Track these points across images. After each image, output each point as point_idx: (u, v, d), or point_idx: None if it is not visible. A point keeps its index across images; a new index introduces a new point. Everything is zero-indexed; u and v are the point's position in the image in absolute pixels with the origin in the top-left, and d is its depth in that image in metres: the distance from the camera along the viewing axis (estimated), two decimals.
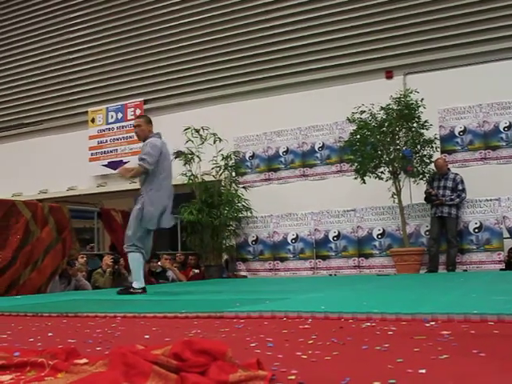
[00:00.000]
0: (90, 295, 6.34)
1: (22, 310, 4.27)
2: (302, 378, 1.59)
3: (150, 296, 5.84)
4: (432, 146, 9.35)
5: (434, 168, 9.39)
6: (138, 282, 5.93)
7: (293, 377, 1.62)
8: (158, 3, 13.20)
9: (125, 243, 6.02)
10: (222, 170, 10.86)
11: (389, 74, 10.77)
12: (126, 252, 6.06)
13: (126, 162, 12.65)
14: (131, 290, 5.86)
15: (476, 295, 4.28)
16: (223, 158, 10.78)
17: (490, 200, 9.17)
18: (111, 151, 13.33)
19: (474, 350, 1.97)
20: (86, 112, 13.86)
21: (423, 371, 1.64)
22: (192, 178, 10.58)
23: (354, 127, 9.51)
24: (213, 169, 10.82)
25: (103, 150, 13.47)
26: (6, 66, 15.33)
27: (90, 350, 2.23)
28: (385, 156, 9.36)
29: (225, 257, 11.12)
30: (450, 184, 9.18)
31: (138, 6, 13.46)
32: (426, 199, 9.34)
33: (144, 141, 6.11)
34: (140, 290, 5.87)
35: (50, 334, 2.91)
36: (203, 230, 10.39)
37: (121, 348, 1.66)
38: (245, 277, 10.65)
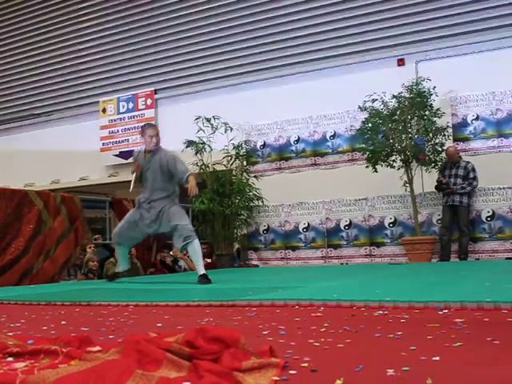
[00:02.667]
0: (103, 284, 6.38)
1: (35, 299, 4.30)
2: (315, 366, 1.59)
3: (162, 285, 5.87)
4: (444, 135, 9.29)
5: (446, 156, 9.35)
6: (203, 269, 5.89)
7: (306, 364, 1.62)
8: None
9: (186, 234, 5.93)
10: (233, 160, 10.85)
11: (400, 61, 10.70)
12: (188, 242, 5.92)
13: None
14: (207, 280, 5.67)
15: (489, 283, 4.26)
16: (234, 147, 10.78)
17: (503, 188, 9.11)
18: (122, 141, 13.35)
19: (488, 337, 1.96)
20: (97, 102, 13.88)
21: (437, 358, 1.63)
22: (203, 167, 10.58)
23: (366, 115, 9.47)
24: (224, 158, 10.82)
25: (114, 140, 13.49)
26: (17, 57, 15.36)
27: (102, 338, 2.23)
28: (396, 144, 9.31)
29: (236, 246, 11.14)
30: (461, 172, 9.13)
31: None
32: (436, 188, 9.30)
33: (156, 149, 6.21)
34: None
35: (63, 323, 2.93)
36: (214, 219, 10.40)
37: (134, 336, 1.67)
38: (256, 266, 10.67)
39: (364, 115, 9.58)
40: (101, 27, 14.10)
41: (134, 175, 6.24)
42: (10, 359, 1.64)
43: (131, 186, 6.31)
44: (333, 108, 10.90)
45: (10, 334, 2.25)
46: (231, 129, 10.58)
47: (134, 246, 8.70)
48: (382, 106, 9.34)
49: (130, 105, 13.36)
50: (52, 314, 3.44)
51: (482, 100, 9.88)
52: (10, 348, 1.70)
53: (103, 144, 13.62)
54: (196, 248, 5.99)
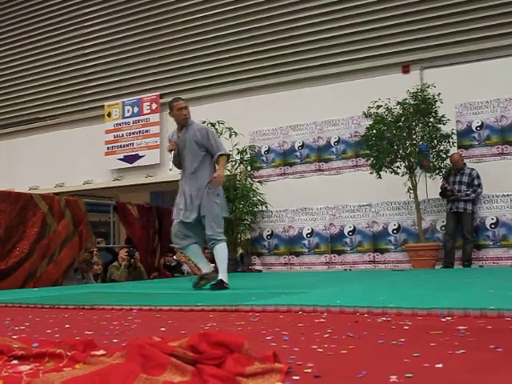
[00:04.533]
0: (106, 288, 6.38)
1: (39, 302, 4.31)
2: (319, 371, 1.59)
3: (165, 289, 5.86)
4: (449, 141, 9.29)
5: (450, 163, 9.34)
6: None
7: (309, 370, 1.62)
8: None
9: (210, 237, 5.59)
10: (237, 165, 10.86)
11: (406, 68, 10.71)
12: (215, 244, 5.58)
13: (141, 156, 12.70)
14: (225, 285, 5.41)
15: (493, 291, 4.25)
16: (239, 152, 10.79)
17: (507, 195, 9.10)
18: (127, 145, 13.38)
19: (491, 345, 1.96)
20: (103, 106, 13.92)
21: (440, 365, 1.63)
22: None
23: (370, 122, 9.47)
24: (228, 163, 10.82)
25: (119, 144, 13.52)
26: (23, 61, 15.41)
27: (106, 342, 2.24)
28: (401, 151, 9.31)
29: (240, 251, 11.13)
30: (465, 179, 9.12)
31: (154, 0, 13.47)
32: (441, 194, 9.29)
33: (187, 124, 5.78)
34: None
35: (67, 326, 2.94)
36: None
37: (138, 340, 1.67)
38: (260, 271, 10.66)
39: (368, 121, 9.59)
40: (106, 31, 14.15)
41: (172, 153, 5.73)
42: (15, 362, 1.65)
43: (171, 165, 5.77)
44: (337, 114, 10.92)
45: (15, 337, 2.26)
46: (236, 134, 10.59)
47: (138, 250, 8.74)
48: (386, 113, 9.35)
49: (135, 109, 13.39)
50: (56, 317, 3.45)
51: (486, 107, 9.88)
52: (15, 351, 1.71)
53: (108, 148, 13.64)
54: (218, 251, 5.64)
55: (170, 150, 5.75)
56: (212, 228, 5.59)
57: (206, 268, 5.89)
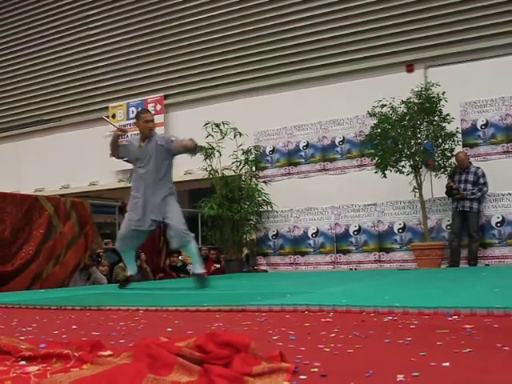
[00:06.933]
0: (112, 289, 6.39)
1: (45, 304, 4.32)
2: (325, 371, 1.59)
3: (172, 290, 5.87)
4: (453, 140, 9.28)
5: (455, 162, 9.32)
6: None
7: (316, 369, 1.62)
8: None
9: (183, 236, 5.78)
10: (242, 165, 10.86)
11: (410, 67, 10.70)
12: (185, 243, 5.82)
13: None
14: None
15: (499, 289, 4.24)
16: (243, 152, 10.78)
17: None
18: None
19: (498, 343, 1.96)
20: (107, 108, 13.93)
21: (447, 364, 1.63)
22: (212, 172, 10.60)
23: (375, 121, 9.47)
24: (233, 163, 10.83)
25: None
26: (27, 63, 15.46)
27: (113, 343, 2.24)
28: (406, 150, 9.31)
29: (245, 251, 11.14)
30: (471, 178, 9.11)
31: (158, 1, 13.49)
32: (447, 193, 9.28)
33: (151, 135, 6.10)
34: None
35: (74, 327, 2.94)
36: (223, 224, 10.41)
37: (145, 340, 1.68)
38: (265, 271, 10.66)
39: (373, 121, 9.58)
40: (111, 33, 14.17)
41: (114, 134, 6.27)
42: (23, 363, 1.65)
43: (108, 134, 6.16)
44: (342, 113, 10.91)
45: (22, 337, 2.26)
46: (240, 134, 10.59)
47: (143, 251, 8.76)
48: (391, 112, 9.34)
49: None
50: (63, 318, 3.45)
51: (491, 105, 9.86)
52: (23, 352, 1.72)
53: None
54: (194, 247, 5.91)
55: (122, 133, 6.30)
56: (180, 222, 5.87)
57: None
